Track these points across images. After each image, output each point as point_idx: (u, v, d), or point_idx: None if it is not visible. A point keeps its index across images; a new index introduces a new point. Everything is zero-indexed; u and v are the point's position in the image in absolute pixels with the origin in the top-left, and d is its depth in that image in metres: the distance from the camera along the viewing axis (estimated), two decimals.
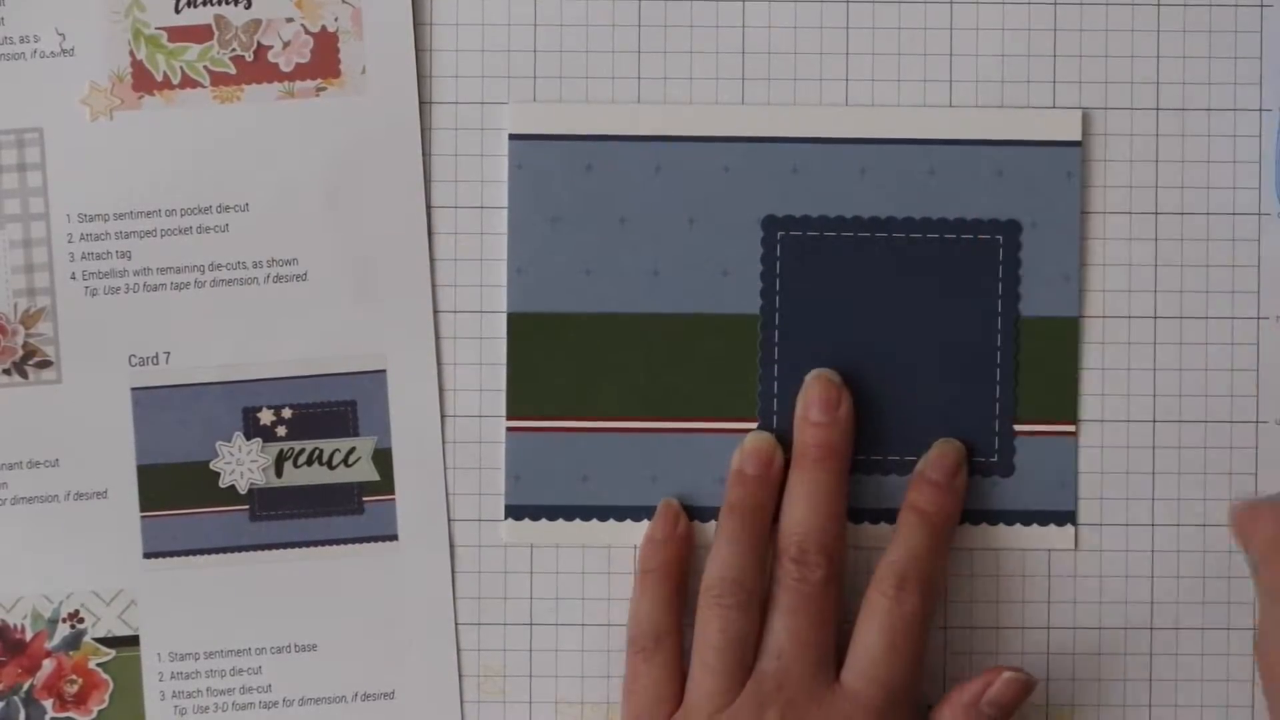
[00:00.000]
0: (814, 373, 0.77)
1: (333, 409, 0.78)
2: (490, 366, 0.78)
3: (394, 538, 0.79)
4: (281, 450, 0.78)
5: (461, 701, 0.79)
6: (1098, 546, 0.78)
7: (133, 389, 0.78)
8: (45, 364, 0.78)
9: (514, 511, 0.79)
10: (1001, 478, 0.78)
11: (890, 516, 0.78)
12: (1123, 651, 0.78)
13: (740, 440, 0.77)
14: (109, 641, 0.78)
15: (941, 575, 0.77)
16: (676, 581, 0.77)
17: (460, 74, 0.78)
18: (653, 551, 0.77)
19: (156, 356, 0.78)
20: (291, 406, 0.78)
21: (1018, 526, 0.78)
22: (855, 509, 0.78)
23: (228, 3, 0.77)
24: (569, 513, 0.79)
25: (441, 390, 0.78)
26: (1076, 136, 0.78)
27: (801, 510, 0.75)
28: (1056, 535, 0.78)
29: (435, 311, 0.78)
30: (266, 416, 0.78)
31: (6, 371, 0.78)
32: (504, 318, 0.78)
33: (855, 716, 0.73)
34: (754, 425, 0.78)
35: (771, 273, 0.78)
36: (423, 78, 0.78)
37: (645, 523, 0.78)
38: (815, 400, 0.77)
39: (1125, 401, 0.78)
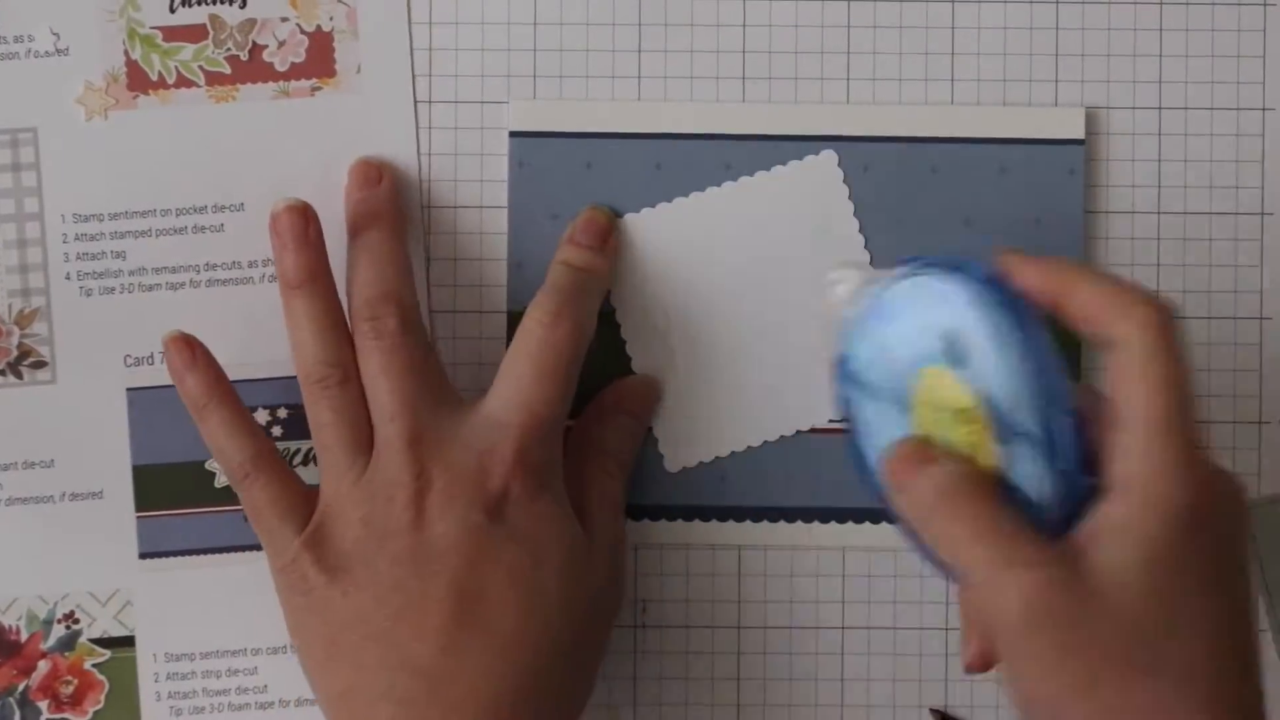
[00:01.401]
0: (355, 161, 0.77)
1: None
2: (489, 367, 0.78)
3: None
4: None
5: None
6: None
7: (128, 389, 0.78)
8: (40, 364, 0.77)
9: None
10: None
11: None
12: None
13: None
14: (104, 642, 0.78)
15: (592, 317, 0.76)
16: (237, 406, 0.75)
17: (460, 73, 0.78)
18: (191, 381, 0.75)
19: (152, 356, 0.78)
20: (287, 406, 0.78)
21: None
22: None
23: (222, 2, 0.77)
24: None
25: None
26: (1079, 135, 0.78)
27: (358, 271, 0.75)
28: None
29: (433, 311, 0.78)
30: (262, 416, 0.78)
31: (1, 372, 0.77)
32: (503, 318, 0.78)
33: (500, 439, 0.72)
34: None
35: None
36: (422, 77, 0.78)
37: (646, 521, 0.78)
38: (351, 179, 0.77)
39: None
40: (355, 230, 0.76)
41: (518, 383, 0.73)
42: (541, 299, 0.75)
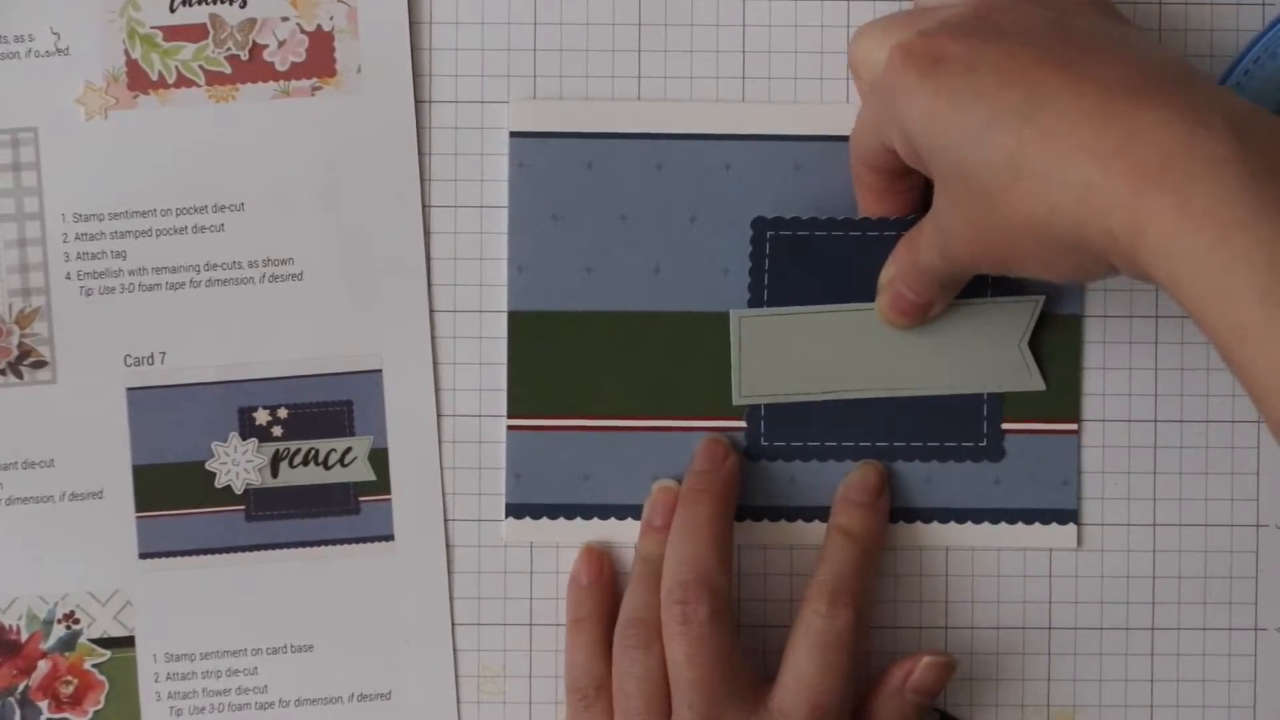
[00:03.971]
0: (705, 436, 0.78)
1: (329, 409, 0.78)
2: (490, 366, 0.78)
3: (390, 538, 0.78)
4: (277, 450, 0.78)
5: (459, 702, 0.79)
6: (1099, 546, 0.78)
7: (128, 389, 0.78)
8: (40, 364, 0.77)
9: (514, 510, 0.78)
10: (992, 462, 0.78)
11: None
12: (1124, 652, 0.78)
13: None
14: (105, 642, 0.78)
15: (872, 594, 0.76)
16: (607, 626, 0.77)
17: (460, 73, 0.78)
18: (581, 599, 0.77)
19: (152, 356, 0.78)
20: (287, 406, 0.78)
21: (1019, 526, 0.78)
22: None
23: (223, 1, 0.77)
24: (570, 511, 0.78)
25: (441, 390, 0.78)
26: None
27: (678, 547, 0.75)
28: (1058, 535, 0.78)
29: (434, 311, 0.78)
30: (262, 416, 0.78)
31: (1, 372, 0.77)
32: (504, 317, 0.78)
33: None
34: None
35: (760, 270, 0.78)
36: (422, 76, 0.78)
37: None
38: (699, 453, 0.77)
39: (1127, 400, 0.78)
40: (687, 501, 0.76)
41: (799, 680, 0.73)
42: (819, 581, 0.75)
